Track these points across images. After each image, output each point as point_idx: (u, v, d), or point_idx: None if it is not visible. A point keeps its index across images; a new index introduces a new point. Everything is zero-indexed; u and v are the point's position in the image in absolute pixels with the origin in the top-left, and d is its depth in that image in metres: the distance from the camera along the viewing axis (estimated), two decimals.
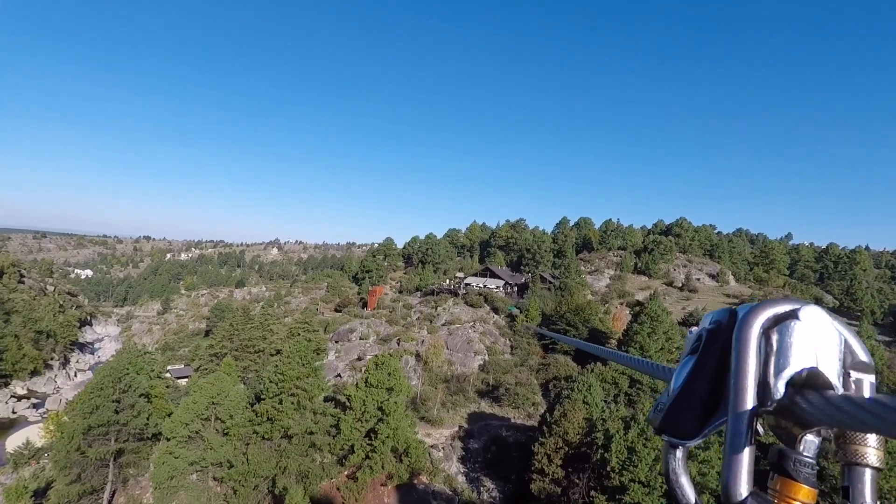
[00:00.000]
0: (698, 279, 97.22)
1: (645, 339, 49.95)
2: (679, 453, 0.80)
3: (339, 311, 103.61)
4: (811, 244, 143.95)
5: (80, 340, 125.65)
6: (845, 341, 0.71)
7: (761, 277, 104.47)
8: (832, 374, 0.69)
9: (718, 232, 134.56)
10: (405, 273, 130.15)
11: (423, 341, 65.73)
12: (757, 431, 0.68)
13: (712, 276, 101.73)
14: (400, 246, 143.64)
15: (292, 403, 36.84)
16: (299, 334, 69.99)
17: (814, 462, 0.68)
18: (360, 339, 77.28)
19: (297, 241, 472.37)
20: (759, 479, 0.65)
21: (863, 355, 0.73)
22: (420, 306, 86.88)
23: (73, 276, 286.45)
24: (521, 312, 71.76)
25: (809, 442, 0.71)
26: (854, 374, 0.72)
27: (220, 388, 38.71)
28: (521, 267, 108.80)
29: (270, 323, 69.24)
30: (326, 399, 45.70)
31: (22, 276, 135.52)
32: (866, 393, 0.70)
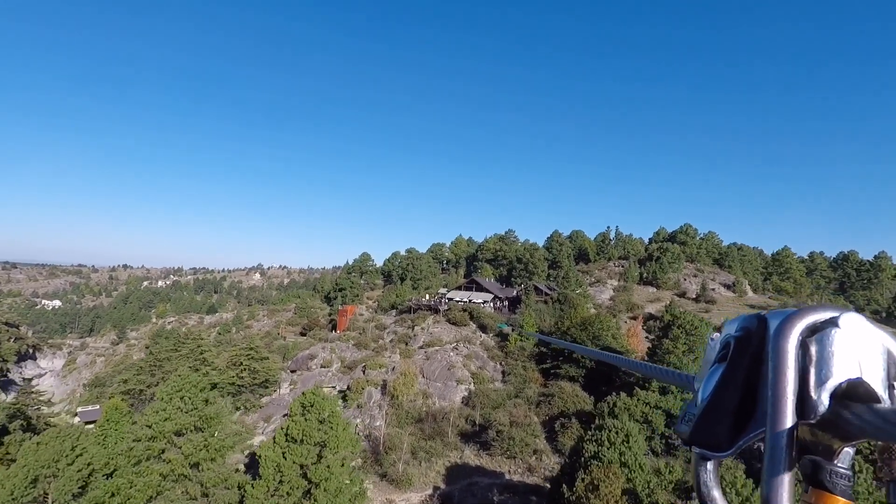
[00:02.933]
0: (713, 289, 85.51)
1: (680, 358, 37.62)
2: (710, 466, 0.74)
3: (305, 335, 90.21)
4: (821, 253, 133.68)
5: (12, 376, 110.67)
6: (888, 350, 0.67)
7: (781, 287, 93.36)
8: (877, 384, 0.64)
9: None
10: (384, 291, 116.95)
11: (393, 368, 52.69)
12: (796, 444, 0.63)
13: (727, 287, 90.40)
14: (379, 263, 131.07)
15: (161, 476, 23.68)
16: (241, 364, 56.68)
17: (850, 474, 0.64)
18: (322, 366, 64.07)
19: (280, 266, 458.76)
20: None
21: None
22: (395, 326, 73.89)
23: (39, 307, 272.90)
24: (513, 330, 59.12)
25: (846, 453, 0.67)
26: None
27: (68, 447, 25.54)
28: (512, 280, 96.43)
29: (204, 351, 55.64)
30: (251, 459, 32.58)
31: None
32: None
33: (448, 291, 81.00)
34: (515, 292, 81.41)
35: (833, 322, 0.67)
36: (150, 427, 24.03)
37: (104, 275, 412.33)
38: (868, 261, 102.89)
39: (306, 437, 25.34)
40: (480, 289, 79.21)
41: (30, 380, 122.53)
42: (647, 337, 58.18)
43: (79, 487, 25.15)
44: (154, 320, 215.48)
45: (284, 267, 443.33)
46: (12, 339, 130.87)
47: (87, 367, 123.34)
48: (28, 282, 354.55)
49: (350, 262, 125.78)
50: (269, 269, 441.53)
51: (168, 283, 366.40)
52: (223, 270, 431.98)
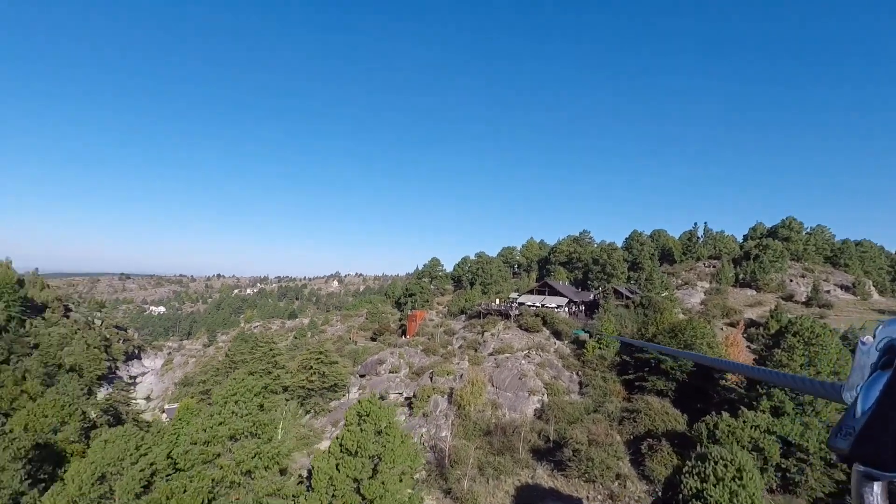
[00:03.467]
0: (828, 291, 75.24)
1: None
2: (877, 488, 0.65)
3: (375, 340, 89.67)
4: None
5: (120, 374, 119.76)
6: None
7: None
8: None
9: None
10: (454, 297, 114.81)
11: (461, 375, 49.80)
12: None
13: (845, 288, 79.37)
14: (449, 268, 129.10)
15: (213, 482, 22.15)
16: (311, 367, 56.20)
17: None
18: (390, 372, 62.48)
19: (356, 274, 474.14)
20: None
21: None
22: (464, 332, 71.08)
23: (147, 312, 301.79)
24: (591, 337, 54.35)
25: None
26: None
27: (132, 446, 24.90)
28: (588, 283, 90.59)
29: (276, 354, 55.68)
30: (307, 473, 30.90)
31: (68, 310, 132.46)
32: None
33: (519, 296, 77.03)
34: (592, 296, 76.00)
35: None
36: (205, 431, 22.69)
37: (201, 284, 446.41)
38: None
39: (361, 450, 22.95)
40: (554, 292, 74.59)
41: (134, 377, 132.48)
42: (748, 347, 51.27)
43: (142, 487, 24.41)
44: (242, 325, 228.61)
45: (360, 274, 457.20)
46: (121, 341, 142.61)
47: (180, 367, 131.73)
48: (139, 290, 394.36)
49: (420, 268, 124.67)
50: (346, 276, 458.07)
51: (255, 290, 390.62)
52: (304, 278, 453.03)
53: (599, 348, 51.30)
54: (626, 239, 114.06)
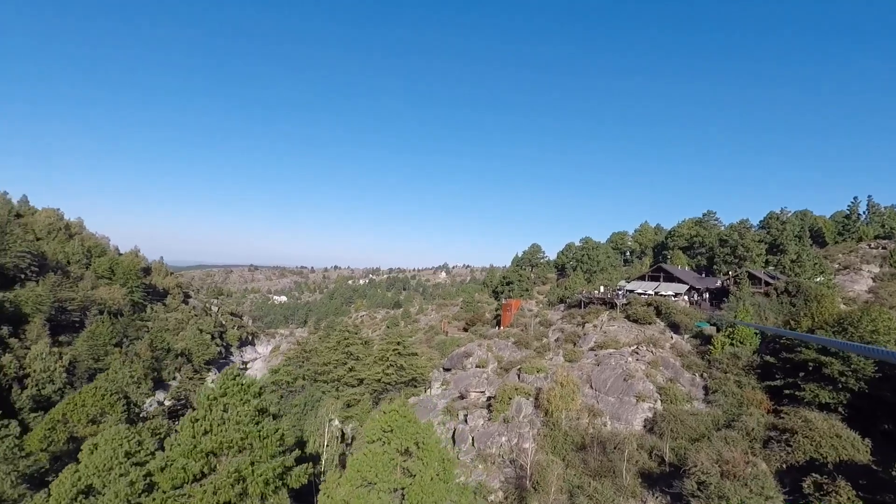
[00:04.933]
0: None
1: None
2: None
3: (467, 331, 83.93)
4: None
5: (234, 359, 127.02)
6: None
7: None
8: None
9: None
10: (557, 285, 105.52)
11: (554, 373, 41.93)
12: None
13: None
14: (553, 256, 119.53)
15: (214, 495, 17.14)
16: (387, 358, 51.62)
17: None
18: (477, 366, 56.20)
19: (464, 265, 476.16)
20: None
21: None
22: (562, 323, 62.63)
23: (270, 301, 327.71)
24: (719, 330, 43.55)
25: None
26: None
27: (121, 453, 21.03)
28: (714, 269, 76.84)
29: (350, 343, 51.83)
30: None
31: (188, 297, 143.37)
32: None
33: (628, 282, 66.50)
34: (720, 282, 63.29)
35: None
36: (179, 445, 17.81)
37: (319, 274, 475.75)
38: None
39: (381, 479, 16.73)
40: (671, 278, 63.17)
41: (246, 363, 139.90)
42: None
43: None
44: (353, 314, 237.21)
45: (468, 266, 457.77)
46: (236, 328, 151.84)
47: (284, 354, 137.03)
48: (265, 281, 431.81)
49: (519, 255, 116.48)
50: (453, 267, 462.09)
51: (366, 281, 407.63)
52: (413, 270, 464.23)
53: (731, 344, 40.49)
54: (762, 220, 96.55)
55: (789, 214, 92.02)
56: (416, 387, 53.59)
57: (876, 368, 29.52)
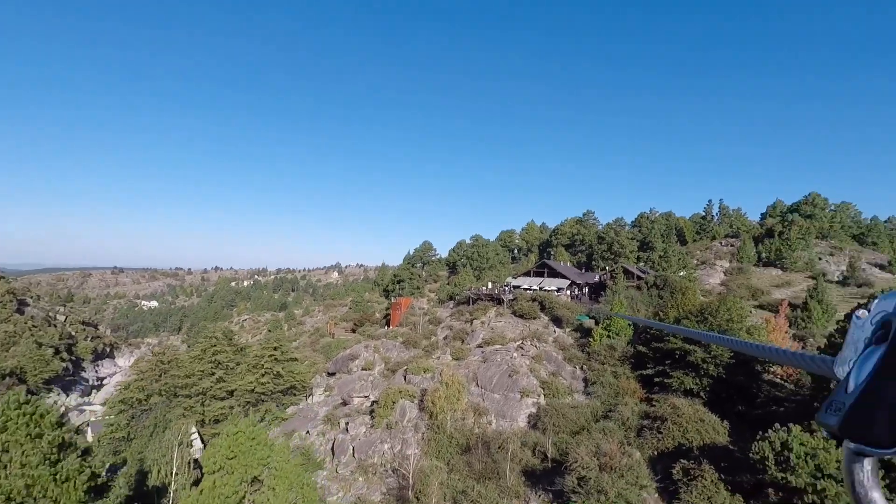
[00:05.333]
0: (863, 270, 65.84)
1: None
2: (868, 464, 0.65)
3: (356, 331, 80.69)
4: None
5: (87, 375, 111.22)
6: None
7: None
8: None
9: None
10: (448, 283, 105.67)
11: (441, 372, 40.58)
12: None
13: (880, 267, 69.84)
14: (445, 254, 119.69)
15: None
16: (262, 366, 47.10)
17: None
18: (363, 369, 53.53)
19: (357, 265, 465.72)
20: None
21: None
22: (450, 320, 61.94)
23: (138, 307, 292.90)
24: (597, 323, 45.16)
25: None
26: None
27: None
28: (593, 265, 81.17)
29: (219, 352, 46.52)
30: None
31: (24, 304, 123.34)
32: None
33: (514, 278, 67.67)
34: (598, 277, 66.61)
35: None
36: None
37: (197, 276, 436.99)
38: None
39: None
40: (554, 274, 65.25)
41: (101, 379, 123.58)
42: (794, 335, 41.90)
43: None
44: (235, 318, 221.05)
45: (361, 265, 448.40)
46: (89, 339, 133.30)
47: (137, 367, 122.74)
48: (132, 284, 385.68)
49: (411, 253, 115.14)
50: (346, 267, 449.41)
51: (251, 282, 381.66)
52: (304, 270, 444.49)
53: (609, 336, 42.05)
54: (634, 220, 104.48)
55: (657, 215, 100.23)
56: (295, 395, 49.61)
57: (731, 355, 31.72)
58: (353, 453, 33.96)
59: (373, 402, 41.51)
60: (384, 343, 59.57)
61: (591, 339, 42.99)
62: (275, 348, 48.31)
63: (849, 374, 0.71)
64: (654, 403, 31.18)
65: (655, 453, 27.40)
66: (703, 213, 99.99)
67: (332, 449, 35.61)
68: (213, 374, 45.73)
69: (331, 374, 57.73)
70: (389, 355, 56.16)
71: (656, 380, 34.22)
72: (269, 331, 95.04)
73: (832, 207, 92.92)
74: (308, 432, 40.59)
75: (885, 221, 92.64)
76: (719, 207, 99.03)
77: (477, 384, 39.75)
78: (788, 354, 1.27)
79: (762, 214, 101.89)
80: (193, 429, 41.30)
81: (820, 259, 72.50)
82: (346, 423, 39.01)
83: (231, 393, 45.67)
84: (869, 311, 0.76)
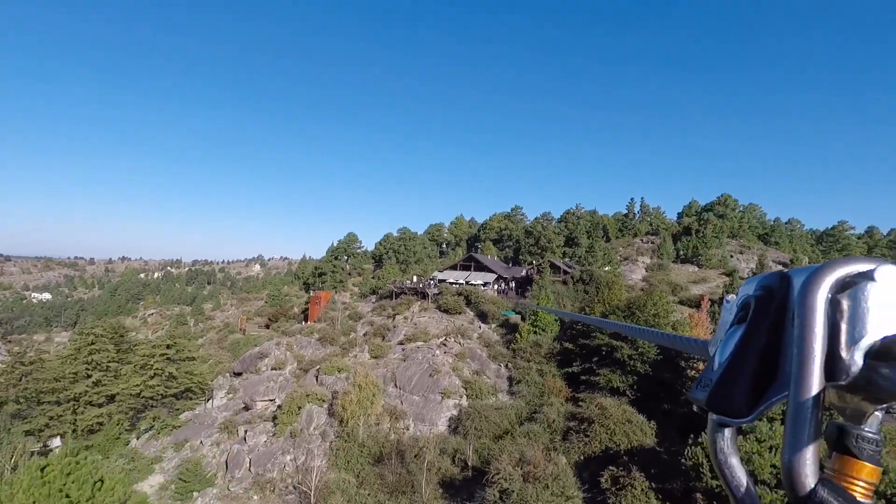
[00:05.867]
0: (770, 268, 69.17)
1: None
2: (728, 433, 0.70)
3: (269, 327, 74.96)
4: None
5: None
6: None
7: None
8: None
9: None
10: (374, 277, 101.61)
11: (355, 372, 36.97)
12: (823, 409, 0.59)
13: (783, 265, 73.92)
14: (371, 247, 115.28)
15: None
16: (151, 366, 41.22)
17: (879, 438, 0.60)
18: (273, 368, 48.80)
19: (282, 258, 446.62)
20: None
21: None
22: (372, 315, 58.33)
23: (26, 300, 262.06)
24: (524, 319, 43.42)
25: (874, 416, 0.62)
26: None
27: None
28: (520, 259, 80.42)
29: (97, 351, 40.10)
30: None
31: None
32: None
33: (440, 272, 65.12)
34: (525, 271, 65.46)
35: (868, 276, 0.61)
36: None
37: (100, 267, 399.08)
38: None
39: None
40: (481, 267, 63.31)
41: None
42: (709, 328, 42.17)
43: None
44: (140, 313, 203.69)
45: (286, 258, 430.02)
46: None
47: None
48: (21, 274, 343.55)
49: (335, 245, 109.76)
50: (269, 260, 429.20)
51: (162, 274, 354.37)
52: (223, 262, 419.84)
53: (534, 332, 40.29)
54: (561, 216, 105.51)
55: (583, 211, 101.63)
56: (192, 398, 44.06)
57: (658, 351, 30.67)
58: (250, 466, 29.72)
59: (278, 407, 37.19)
60: (298, 340, 54.93)
61: (517, 336, 41.07)
62: (168, 346, 42.52)
63: (715, 353, 0.77)
64: (580, 403, 29.46)
65: (582, 458, 25.52)
66: (626, 211, 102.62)
67: (227, 462, 31.11)
68: (88, 376, 39.31)
69: (237, 375, 52.35)
70: (303, 353, 51.71)
71: (583, 378, 32.65)
72: (173, 326, 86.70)
73: (741, 208, 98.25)
74: (202, 442, 35.66)
75: (786, 223, 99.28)
76: (641, 206, 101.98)
77: (395, 385, 36.57)
78: (672, 337, 1.35)
79: (679, 214, 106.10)
80: (58, 441, 35.10)
81: (732, 257, 75.82)
82: (246, 432, 34.54)
83: (112, 398, 39.51)
84: (737, 294, 0.81)
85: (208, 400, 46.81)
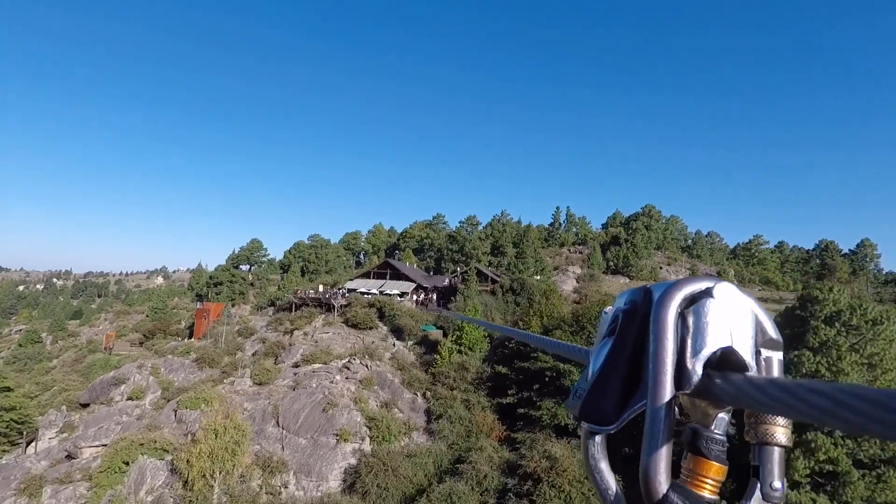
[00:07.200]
0: None
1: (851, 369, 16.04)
2: (598, 440, 0.74)
3: (143, 345, 62.46)
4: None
5: None
6: (756, 317, 0.70)
7: (769, 278, 77.29)
8: (746, 352, 0.67)
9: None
10: (279, 287, 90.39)
11: (215, 409, 27.56)
12: (675, 416, 0.65)
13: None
14: (280, 256, 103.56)
15: None
16: None
17: (724, 439, 0.67)
18: (129, 398, 38.22)
19: (187, 269, 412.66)
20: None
21: (772, 332, 0.71)
22: (266, 331, 48.68)
23: None
24: (446, 336, 36.04)
25: (720, 419, 0.69)
26: (764, 353, 0.70)
27: None
28: (443, 269, 73.53)
29: None
30: None
31: None
32: (775, 371, 0.70)
33: (350, 280, 56.55)
34: (448, 280, 58.45)
35: (708, 293, 0.68)
36: None
37: None
38: (850, 251, 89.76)
39: None
40: (398, 276, 55.52)
41: None
42: None
43: None
44: (10, 329, 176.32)
45: (191, 270, 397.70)
46: None
47: None
48: None
49: (236, 252, 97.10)
50: (175, 272, 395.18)
51: (44, 286, 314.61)
52: (120, 273, 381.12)
53: (459, 352, 33.00)
54: (487, 224, 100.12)
55: (508, 218, 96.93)
56: (3, 441, 32.44)
57: None
58: None
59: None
60: (168, 361, 44.20)
61: (437, 357, 33.55)
62: None
63: (589, 363, 0.79)
64: (519, 447, 22.32)
65: None
66: (552, 220, 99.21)
67: None
68: None
69: (84, 406, 40.91)
70: (173, 378, 41.22)
71: (520, 411, 25.65)
72: (21, 345, 70.91)
73: (664, 220, 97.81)
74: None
75: (706, 235, 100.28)
76: (567, 215, 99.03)
77: (277, 423, 27.68)
78: (559, 345, 1.32)
79: (603, 224, 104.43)
80: None
81: (661, 268, 73.52)
82: (52, 496, 24.21)
83: None
84: (613, 306, 0.83)
85: (30, 443, 35.31)
